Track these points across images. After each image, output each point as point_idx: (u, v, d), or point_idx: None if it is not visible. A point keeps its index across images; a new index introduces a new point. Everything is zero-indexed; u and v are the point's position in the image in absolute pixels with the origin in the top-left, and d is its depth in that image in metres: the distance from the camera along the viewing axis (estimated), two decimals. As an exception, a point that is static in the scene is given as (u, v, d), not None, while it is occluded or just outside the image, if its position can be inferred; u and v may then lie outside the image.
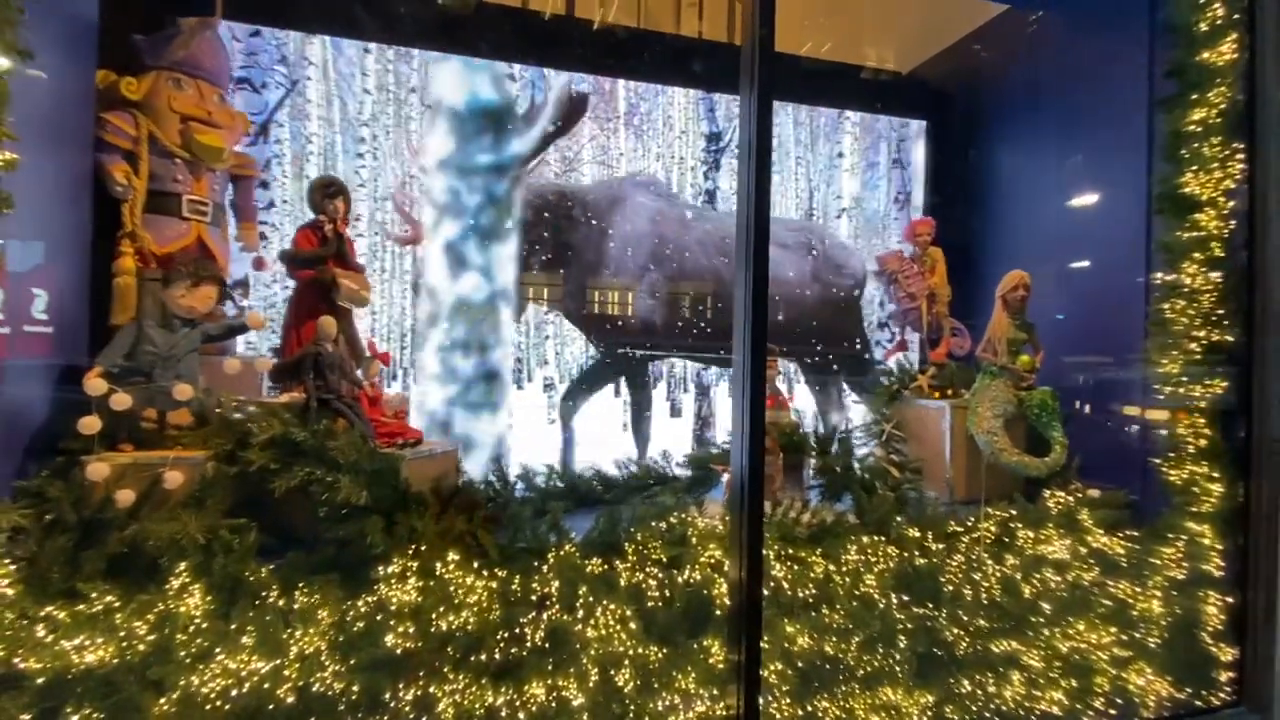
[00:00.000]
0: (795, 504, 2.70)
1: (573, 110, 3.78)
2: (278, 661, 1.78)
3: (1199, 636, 2.64)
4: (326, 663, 1.81)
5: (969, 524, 2.67)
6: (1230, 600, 2.64)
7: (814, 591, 2.31)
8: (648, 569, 2.23)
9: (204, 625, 1.81)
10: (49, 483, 1.91)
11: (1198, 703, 2.62)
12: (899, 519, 2.63)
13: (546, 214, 3.93)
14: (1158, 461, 2.77)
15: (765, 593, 2.24)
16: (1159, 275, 2.80)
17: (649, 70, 3.99)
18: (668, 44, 3.76)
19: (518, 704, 1.88)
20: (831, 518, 2.61)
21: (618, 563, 2.23)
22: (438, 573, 2.01)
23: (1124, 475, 3.02)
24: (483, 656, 1.92)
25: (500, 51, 3.83)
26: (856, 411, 4.13)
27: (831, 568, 2.41)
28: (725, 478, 2.82)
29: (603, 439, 4.94)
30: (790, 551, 2.38)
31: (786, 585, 2.29)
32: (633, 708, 1.98)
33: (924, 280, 3.45)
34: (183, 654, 1.75)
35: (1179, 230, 2.73)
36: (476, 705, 1.85)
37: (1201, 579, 2.65)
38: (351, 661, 1.83)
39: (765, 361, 2.03)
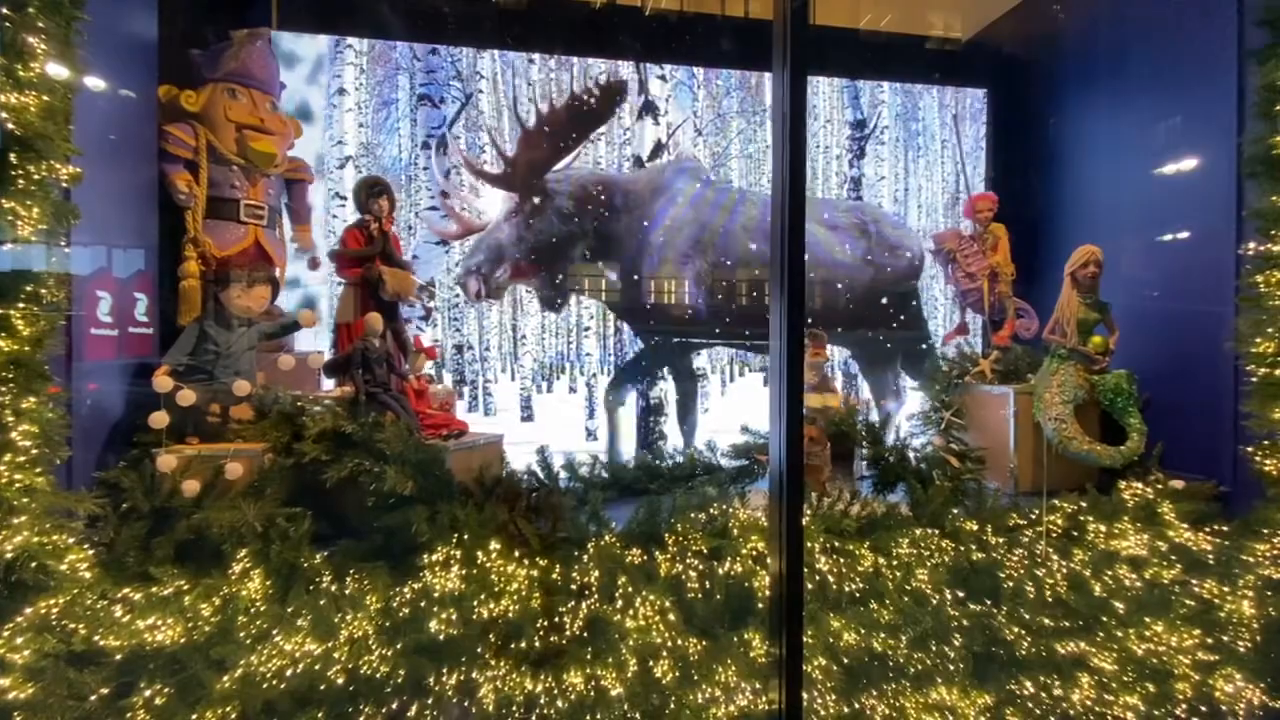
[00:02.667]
0: (844, 495, 2.62)
1: (611, 99, 3.76)
2: (329, 644, 1.85)
3: (1298, 641, 2.41)
4: (374, 646, 1.87)
5: (1032, 517, 2.52)
6: (1335, 602, 2.39)
7: (862, 585, 2.23)
8: (688, 560, 2.22)
9: (262, 608, 1.91)
10: (124, 474, 2.06)
11: (1296, 713, 2.39)
12: (955, 511, 2.51)
13: (590, 205, 3.93)
14: (1250, 450, 2.53)
15: (810, 586, 2.19)
16: (1251, 245, 2.55)
17: (701, 54, 3.93)
18: (718, 25, 3.68)
19: (556, 692, 1.90)
20: (883, 510, 2.52)
21: (658, 553, 2.22)
22: (480, 561, 2.05)
23: (1212, 465, 2.79)
24: (523, 644, 1.95)
25: (551, 44, 3.86)
26: (915, 399, 3.95)
27: (881, 561, 2.32)
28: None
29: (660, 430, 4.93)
30: (837, 544, 2.31)
31: (833, 579, 2.22)
32: (672, 700, 1.97)
33: (985, 259, 3.26)
34: (243, 635, 1.85)
35: (1274, 195, 2.47)
36: (516, 692, 1.88)
37: (1301, 578, 2.41)
38: (397, 646, 1.89)
39: (802, 347, 1.96)
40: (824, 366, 3.04)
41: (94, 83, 1.96)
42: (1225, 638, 2.37)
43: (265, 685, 1.77)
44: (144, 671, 1.78)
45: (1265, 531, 2.48)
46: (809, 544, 2.28)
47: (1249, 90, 2.61)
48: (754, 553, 2.23)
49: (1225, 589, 2.41)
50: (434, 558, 2.04)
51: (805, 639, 2.09)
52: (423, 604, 1.97)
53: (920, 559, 2.32)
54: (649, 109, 4.89)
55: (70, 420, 1.89)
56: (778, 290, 1.98)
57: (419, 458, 2.20)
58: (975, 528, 2.45)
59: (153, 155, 2.47)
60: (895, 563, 2.31)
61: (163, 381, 2.10)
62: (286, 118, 2.78)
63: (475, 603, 1.97)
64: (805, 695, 2.04)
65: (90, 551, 1.87)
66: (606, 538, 2.24)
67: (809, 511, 2.43)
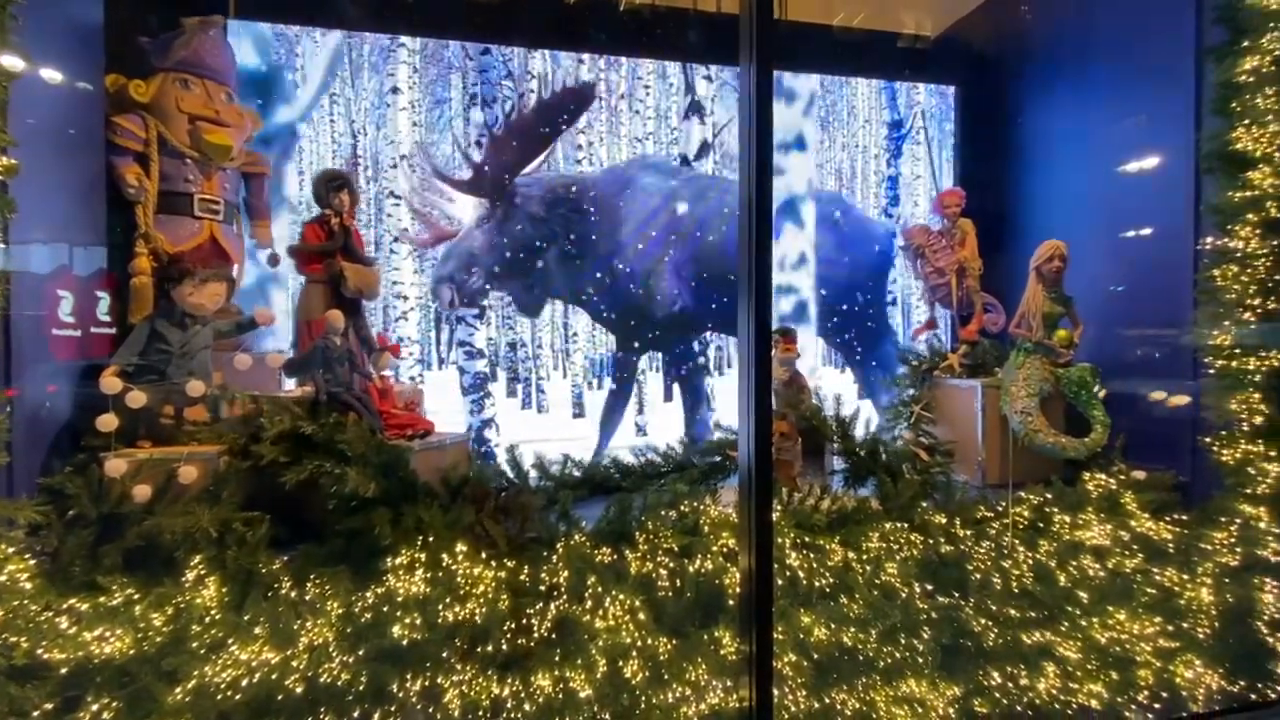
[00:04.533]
0: (815, 490, 2.62)
1: (581, 101, 3.72)
2: (288, 652, 1.80)
3: (1254, 626, 2.47)
4: (335, 653, 1.82)
5: (999, 509, 2.54)
6: (1290, 588, 2.45)
7: (832, 580, 2.23)
8: (659, 558, 2.19)
9: (217, 616, 1.85)
10: (69, 479, 1.97)
11: (1253, 696, 2.45)
12: (924, 505, 2.53)
13: (560, 207, 3.88)
14: (1208, 440, 2.59)
15: (780, 582, 2.18)
16: (1209, 240, 2.60)
17: (674, 48, 3.89)
18: (692, 20, 3.65)
19: (524, 695, 1.87)
20: (853, 504, 2.52)
21: (628, 552, 2.20)
22: (445, 564, 2.01)
23: (1172, 456, 2.84)
24: (489, 647, 1.91)
25: (525, 39, 3.80)
26: (885, 394, 3.98)
27: (851, 555, 2.33)
28: (743, 464, 2.75)
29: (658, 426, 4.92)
30: (808, 539, 2.31)
31: (803, 574, 2.22)
32: (642, 700, 1.95)
33: (953, 254, 3.29)
34: (196, 645, 1.78)
35: (1231, 190, 2.52)
36: (483, 696, 1.85)
37: (1256, 565, 2.47)
38: (359, 652, 1.84)
39: (770, 343, 1.95)
40: (794, 362, 3.04)
41: (34, 71, 1.86)
42: (1185, 625, 2.42)
43: (219, 696, 1.71)
44: (90, 685, 1.71)
45: (1223, 520, 2.54)
46: (779, 540, 2.28)
47: (1207, 87, 2.66)
48: (725, 549, 2.22)
49: (1185, 577, 2.46)
50: (398, 561, 1.99)
51: (776, 635, 2.09)
52: (386, 609, 1.92)
53: (889, 553, 2.33)
54: (695, 109, 4.89)
55: (8, 424, 1.81)
56: (745, 286, 1.97)
57: (382, 459, 2.14)
58: (943, 521, 2.47)
59: (100, 147, 2.37)
60: (865, 557, 2.32)
61: (111, 382, 2.02)
62: (244, 109, 2.69)
63: (440, 606, 1.93)
64: (775, 691, 2.04)
65: (32, 561, 1.78)
66: (576, 537, 2.21)
67: (780, 507, 2.43)
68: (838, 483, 2.84)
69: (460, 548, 2.06)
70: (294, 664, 1.78)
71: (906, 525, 2.42)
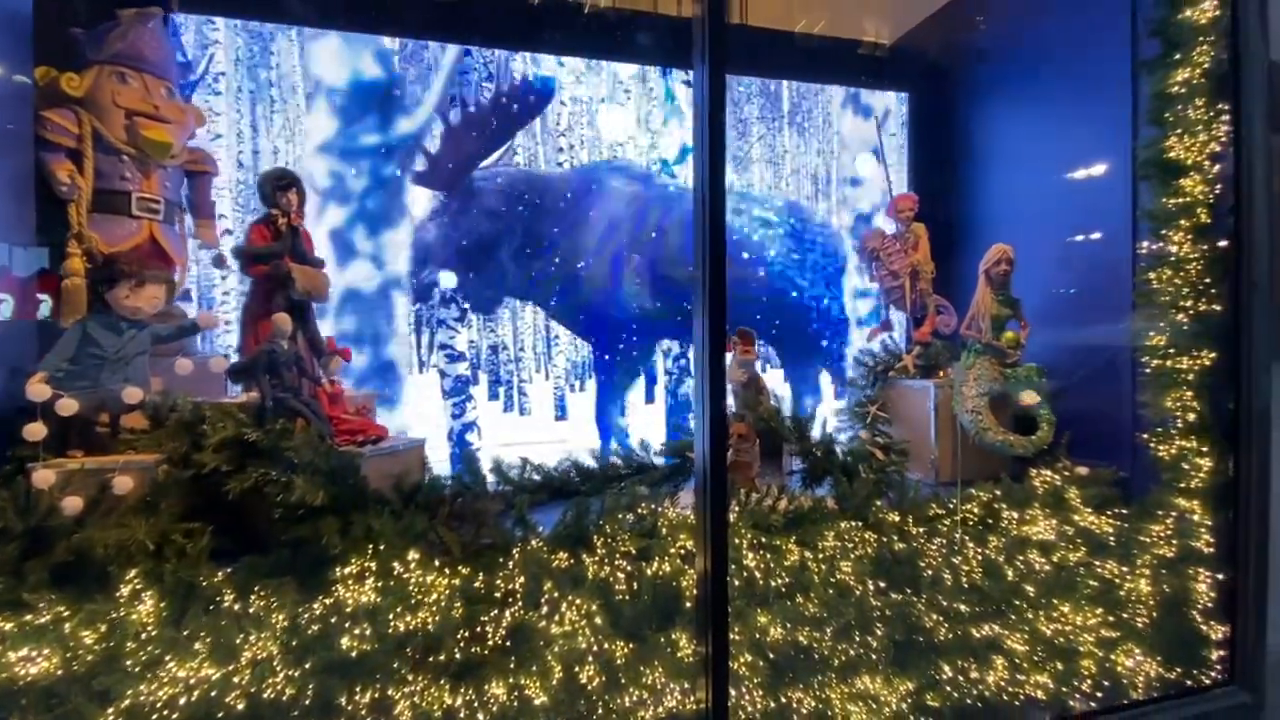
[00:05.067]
0: (772, 491, 2.64)
1: (539, 96, 3.69)
2: (229, 667, 1.73)
3: (1189, 615, 2.57)
4: (279, 667, 1.76)
5: (950, 506, 2.60)
6: (1220, 577, 2.56)
7: (788, 580, 2.25)
8: (616, 561, 2.18)
9: (154, 633, 1.77)
10: (-8, 492, 1.87)
11: (1188, 682, 2.56)
12: (879, 504, 2.57)
13: (519, 204, 3.85)
14: (1146, 436, 2.70)
15: (737, 583, 2.19)
16: (1144, 244, 2.71)
17: (630, 51, 3.89)
18: (655, 23, 3.65)
19: (477, 705, 1.84)
20: (810, 504, 2.55)
21: (585, 556, 2.18)
22: (396, 572, 1.96)
23: (1115, 452, 2.94)
24: (442, 657, 1.88)
25: (479, 37, 3.75)
26: (845, 394, 4.04)
27: (808, 555, 2.35)
28: (702, 466, 2.76)
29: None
30: (764, 540, 2.33)
31: (759, 575, 2.23)
32: (599, 705, 1.93)
33: (906, 257, 3.36)
34: (131, 663, 1.71)
35: (1164, 197, 2.63)
36: (435, 707, 1.81)
37: (1191, 556, 2.58)
38: (306, 665, 1.79)
39: (724, 345, 1.96)
40: (753, 365, 3.07)
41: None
42: (1124, 615, 2.52)
43: (155, 715, 1.64)
44: (15, 707, 1.62)
45: (1160, 513, 2.64)
46: (736, 541, 2.29)
47: (1143, 98, 2.77)
48: (682, 551, 2.22)
49: (1124, 569, 2.56)
50: (347, 571, 1.94)
51: (732, 636, 2.10)
52: (334, 620, 1.87)
53: (844, 551, 2.36)
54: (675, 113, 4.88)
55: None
56: (700, 289, 1.97)
57: (331, 466, 2.08)
58: (897, 519, 2.51)
59: (29, 143, 2.26)
60: (821, 556, 2.34)
61: (38, 389, 1.92)
62: (186, 105, 2.60)
63: (391, 616, 1.88)
64: (733, 692, 2.05)
65: (-50, 579, 1.69)
66: (533, 542, 2.19)
67: (737, 508, 2.45)
68: (796, 483, 2.87)
69: (412, 556, 2.01)
70: (236, 679, 1.72)
71: (861, 524, 2.46)
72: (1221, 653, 2.58)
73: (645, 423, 4.83)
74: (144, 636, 1.76)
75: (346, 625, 1.85)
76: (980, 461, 3.01)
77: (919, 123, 3.98)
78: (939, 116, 3.90)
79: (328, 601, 1.90)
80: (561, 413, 5.92)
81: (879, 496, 2.61)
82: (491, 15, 3.56)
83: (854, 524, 2.45)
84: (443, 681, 1.85)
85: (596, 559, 2.17)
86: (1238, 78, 2.53)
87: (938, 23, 3.90)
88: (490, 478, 2.71)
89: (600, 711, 1.93)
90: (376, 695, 1.81)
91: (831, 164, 6.14)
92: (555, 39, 3.73)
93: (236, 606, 1.85)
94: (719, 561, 1.96)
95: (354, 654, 1.82)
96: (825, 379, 4.61)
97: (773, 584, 2.23)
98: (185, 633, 1.78)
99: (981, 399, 2.95)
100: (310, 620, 1.84)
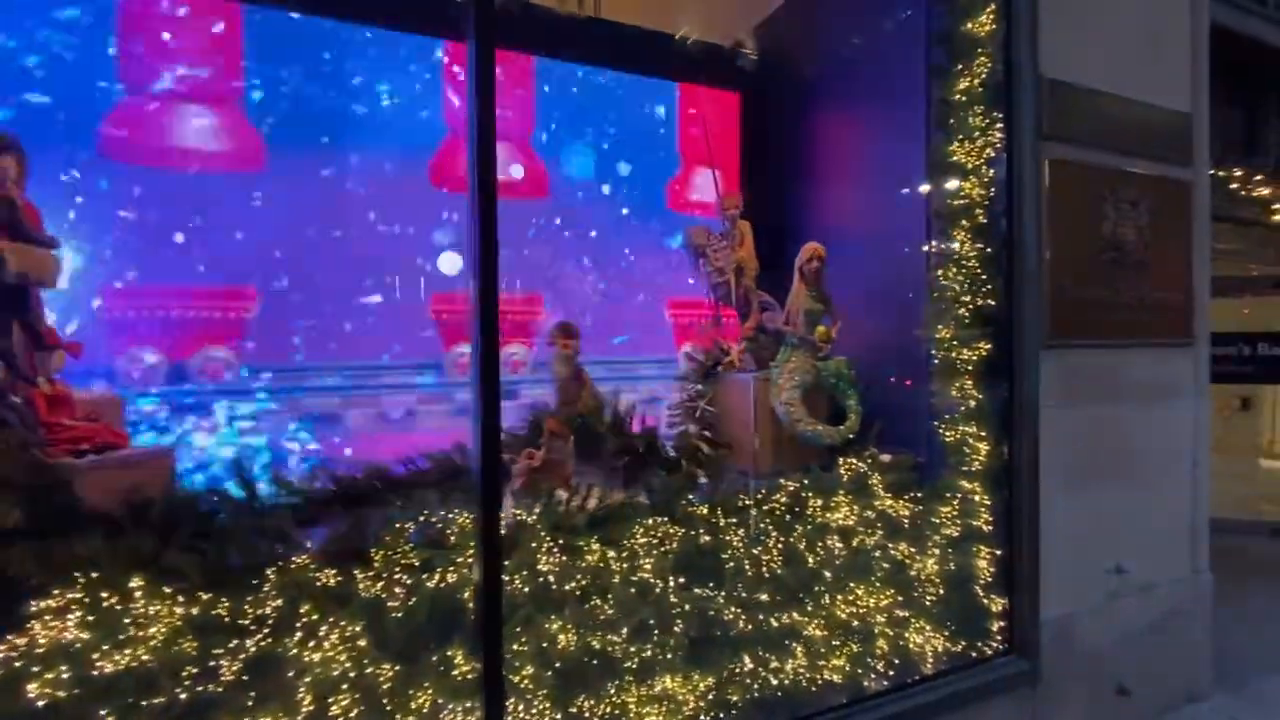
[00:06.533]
0: (586, 490, 2.56)
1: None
2: None
3: (972, 590, 2.75)
4: (-67, 730, 1.45)
5: (758, 496, 2.62)
6: (999, 553, 2.76)
7: (585, 581, 2.16)
8: (395, 575, 2.00)
9: None
10: None
11: (973, 654, 2.73)
12: (690, 497, 2.54)
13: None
14: (936, 424, 2.85)
15: (527, 589, 2.08)
16: (933, 243, 2.87)
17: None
18: None
19: (201, 750, 1.60)
20: (621, 500, 2.48)
21: (358, 572, 1.98)
22: (109, 604, 1.68)
23: (916, 439, 3.10)
24: (159, 699, 1.63)
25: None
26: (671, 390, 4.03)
27: (611, 554, 2.28)
28: (515, 467, 2.62)
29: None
30: (562, 541, 2.22)
31: (553, 579, 2.13)
32: (357, 736, 1.75)
33: (731, 254, 3.40)
34: None
35: (949, 198, 2.80)
36: (143, 759, 1.56)
37: (973, 534, 2.76)
38: (-26, 723, 1.48)
39: (496, 341, 1.84)
40: (574, 359, 2.98)
41: None
42: (915, 593, 2.65)
43: None
44: None
45: (948, 495, 2.80)
46: (533, 544, 2.17)
47: (934, 104, 2.93)
48: (470, 561, 2.07)
49: (914, 550, 2.69)
50: (43, 605, 1.64)
51: (517, 647, 1.99)
52: (20, 664, 1.57)
53: (648, 548, 2.31)
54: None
55: None
56: (473, 280, 1.84)
57: (32, 481, 1.76)
58: (705, 512, 2.49)
59: None
60: (623, 554, 2.28)
61: None
62: None
63: (95, 655, 1.61)
64: (517, 706, 1.93)
65: None
66: (299, 560, 1.96)
67: (539, 510, 2.33)
68: (619, 480, 2.81)
69: (136, 583, 1.74)
70: None
71: (668, 519, 2.42)
72: (1001, 624, 2.78)
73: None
74: None
75: (36, 668, 1.55)
76: (802, 452, 3.08)
77: (748, 124, 4.05)
78: (767, 118, 3.99)
79: (20, 642, 1.59)
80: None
81: (690, 491, 2.59)
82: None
83: (661, 519, 2.40)
84: (156, 728, 1.60)
85: (370, 575, 1.98)
86: (1010, 89, 2.73)
87: (772, 26, 4.00)
88: (273, 488, 2.44)
89: (358, 743, 1.75)
90: (67, 752, 1.53)
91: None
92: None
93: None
94: (492, 572, 1.84)
95: (43, 702, 1.53)
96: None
97: (567, 587, 2.13)
98: None
99: (795, 391, 3.02)
100: (-14, 667, 1.53)
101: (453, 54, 3.17)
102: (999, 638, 2.77)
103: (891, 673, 2.53)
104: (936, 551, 2.72)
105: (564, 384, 2.98)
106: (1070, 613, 2.85)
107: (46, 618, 1.63)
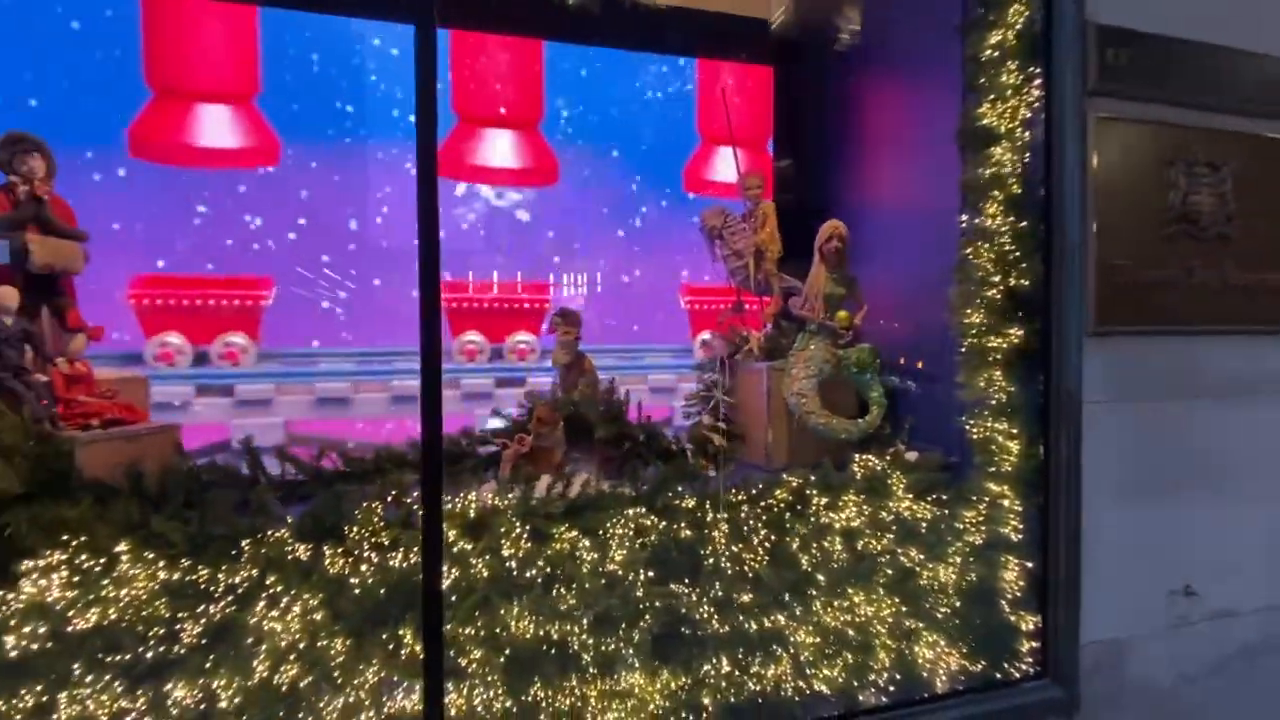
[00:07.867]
0: (574, 478, 2.51)
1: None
2: None
3: (998, 604, 2.47)
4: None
5: (754, 492, 2.47)
6: (1030, 565, 2.45)
7: (548, 569, 2.12)
8: (364, 553, 2.05)
9: None
10: None
11: (997, 674, 2.45)
12: (679, 489, 2.44)
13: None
14: (963, 419, 2.58)
15: (486, 574, 2.07)
16: (964, 218, 2.58)
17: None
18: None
19: (154, 706, 1.71)
20: (605, 489, 2.42)
21: (327, 549, 2.04)
22: (88, 566, 1.82)
23: (948, 436, 2.82)
24: (125, 657, 1.75)
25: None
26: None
27: (585, 544, 2.22)
28: (505, 453, 2.62)
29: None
30: (530, 527, 2.19)
31: (515, 566, 2.10)
32: (303, 706, 1.81)
33: (751, 236, 3.22)
34: None
35: (979, 166, 2.50)
36: (102, 711, 1.68)
37: (1000, 543, 2.47)
38: (-43, 667, 1.65)
39: (438, 320, 1.82)
40: (575, 346, 2.94)
41: None
42: (927, 604, 2.41)
43: None
44: None
45: (974, 498, 2.53)
46: (501, 529, 2.16)
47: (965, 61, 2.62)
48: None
49: (930, 557, 2.44)
50: (33, 564, 1.80)
51: (469, 631, 1.98)
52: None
53: (622, 539, 2.24)
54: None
55: None
56: (420, 265, 1.84)
57: (37, 451, 1.94)
58: (690, 505, 2.38)
59: None
60: (595, 544, 2.22)
61: None
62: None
63: (70, 613, 1.75)
64: (465, 692, 1.93)
65: None
66: (277, 533, 2.05)
67: (512, 496, 2.31)
68: (614, 470, 2.74)
69: (122, 548, 1.87)
70: None
71: (647, 509, 2.33)
72: (1033, 644, 2.47)
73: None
74: None
75: (13, 623, 1.71)
76: (818, 446, 2.88)
77: (781, 99, 3.82)
78: (801, 94, 3.75)
79: (8, 596, 1.76)
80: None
81: (680, 483, 2.48)
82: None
83: (640, 510, 2.32)
84: (119, 684, 1.72)
85: (339, 551, 2.04)
86: (1049, 37, 2.39)
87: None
88: (284, 465, 2.57)
89: (302, 714, 1.80)
90: (42, 699, 1.67)
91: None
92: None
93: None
94: (432, 554, 1.84)
95: (15, 654, 1.68)
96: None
97: (529, 574, 2.10)
98: None
99: (809, 381, 2.82)
100: (-25, 618, 1.70)
101: (456, 40, 3.20)
102: (1029, 659, 2.47)
103: (893, 688, 2.32)
104: (957, 560, 2.46)
105: (564, 371, 2.94)
106: (1121, 638, 2.49)
107: (34, 576, 1.79)
